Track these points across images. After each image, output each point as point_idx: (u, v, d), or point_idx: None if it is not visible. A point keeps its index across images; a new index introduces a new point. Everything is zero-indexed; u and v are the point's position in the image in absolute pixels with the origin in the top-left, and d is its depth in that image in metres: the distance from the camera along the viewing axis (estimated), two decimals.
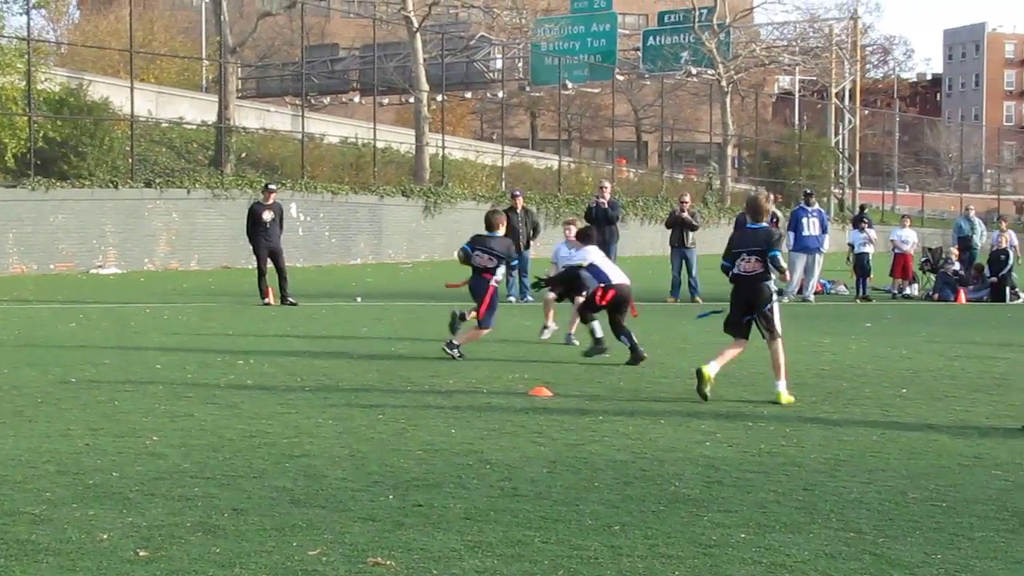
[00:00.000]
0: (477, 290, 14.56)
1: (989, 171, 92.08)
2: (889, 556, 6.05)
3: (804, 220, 24.73)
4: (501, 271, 14.96)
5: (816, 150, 62.52)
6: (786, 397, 11.04)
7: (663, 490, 7.45)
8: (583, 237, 15.04)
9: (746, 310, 11.44)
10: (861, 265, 26.08)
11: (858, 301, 25.45)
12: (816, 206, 25.73)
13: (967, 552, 6.15)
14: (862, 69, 71.59)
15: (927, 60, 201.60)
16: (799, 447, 8.87)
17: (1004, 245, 26.27)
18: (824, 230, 25.13)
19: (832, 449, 8.81)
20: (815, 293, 25.09)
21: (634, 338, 13.89)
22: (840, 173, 64.32)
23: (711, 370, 11.14)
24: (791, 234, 24.66)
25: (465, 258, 14.74)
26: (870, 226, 27.58)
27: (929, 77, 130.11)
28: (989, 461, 8.43)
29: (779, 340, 11.35)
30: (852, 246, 26.79)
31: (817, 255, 24.87)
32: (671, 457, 8.46)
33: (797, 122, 72.41)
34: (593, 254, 14.54)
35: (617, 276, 14.33)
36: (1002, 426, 9.81)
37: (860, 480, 7.78)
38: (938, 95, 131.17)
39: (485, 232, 14.91)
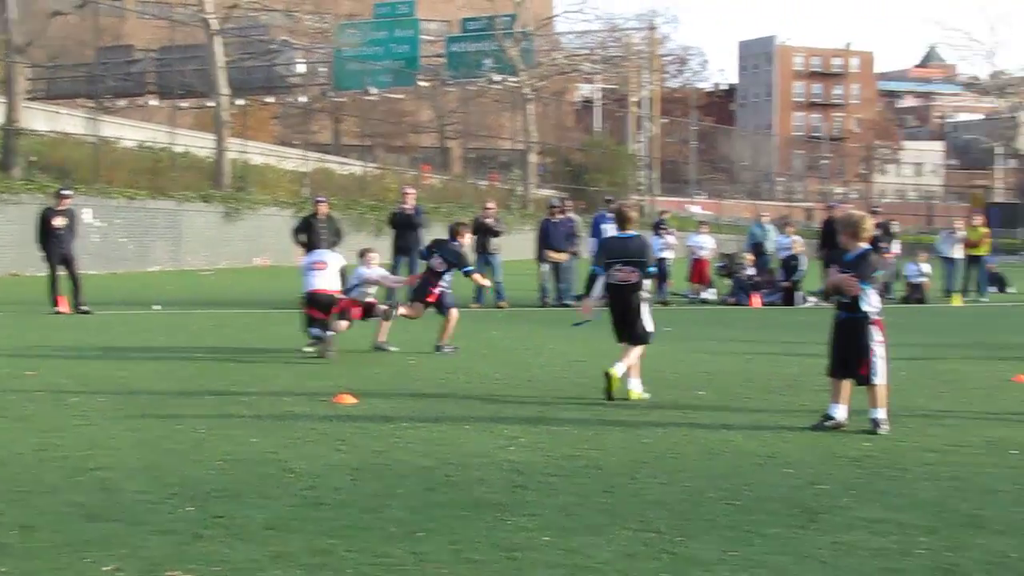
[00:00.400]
0: (421, 288, 15.75)
1: (780, 179, 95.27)
2: (687, 555, 6.18)
3: (605, 226, 25.08)
4: (448, 276, 15.78)
5: (616, 157, 63.71)
6: (616, 375, 11.44)
7: (467, 495, 7.46)
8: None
9: (619, 318, 11.84)
10: (660, 270, 26.62)
11: (657, 305, 25.96)
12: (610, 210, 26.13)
13: (760, 548, 6.33)
14: (660, 78, 73.20)
15: (722, 71, 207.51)
16: (601, 450, 8.99)
17: (796, 251, 27.16)
18: None
19: (633, 451, 8.96)
20: None
21: (324, 335, 14.58)
22: (640, 180, 65.67)
23: (633, 387, 11.54)
24: (593, 240, 25.05)
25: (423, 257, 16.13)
26: (669, 232, 28.17)
27: (724, 87, 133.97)
28: (781, 460, 8.70)
29: (642, 347, 11.75)
30: None
31: None
32: (475, 462, 8.48)
33: (598, 129, 73.63)
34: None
35: (312, 283, 14.99)
36: (793, 426, 10.12)
37: (660, 481, 7.94)
38: (732, 105, 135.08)
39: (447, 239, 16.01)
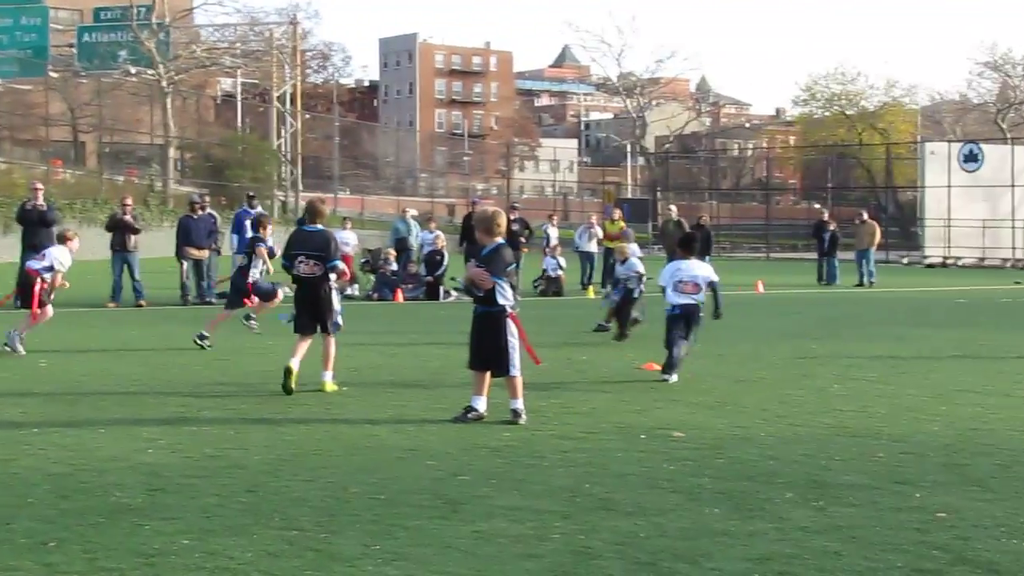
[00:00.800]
0: (236, 282, 16.42)
1: (423, 175, 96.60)
2: (330, 551, 6.19)
3: (247, 222, 24.73)
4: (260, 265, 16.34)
5: (259, 153, 62.86)
6: (330, 386, 11.77)
7: (103, 502, 7.21)
8: None
9: (310, 310, 11.91)
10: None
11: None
12: (259, 208, 25.86)
13: (403, 541, 6.41)
14: (302, 74, 72.80)
15: (364, 67, 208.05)
16: (243, 449, 8.88)
17: (439, 246, 27.60)
18: None
19: (276, 449, 8.90)
20: None
21: None
22: (283, 176, 65.12)
23: (294, 365, 11.61)
24: (234, 236, 24.67)
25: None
26: None
27: (367, 83, 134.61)
28: (424, 453, 8.84)
29: (334, 337, 11.97)
30: None
31: None
32: (112, 467, 8.20)
33: (240, 125, 72.50)
34: None
35: None
36: (435, 419, 10.30)
37: (303, 478, 7.91)
38: (375, 101, 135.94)
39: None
